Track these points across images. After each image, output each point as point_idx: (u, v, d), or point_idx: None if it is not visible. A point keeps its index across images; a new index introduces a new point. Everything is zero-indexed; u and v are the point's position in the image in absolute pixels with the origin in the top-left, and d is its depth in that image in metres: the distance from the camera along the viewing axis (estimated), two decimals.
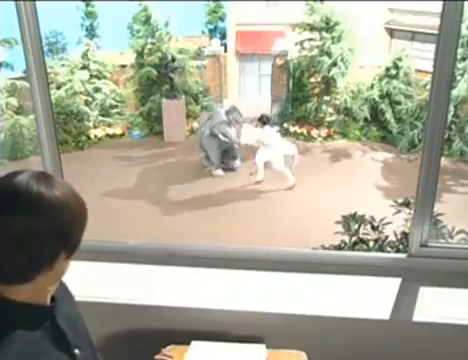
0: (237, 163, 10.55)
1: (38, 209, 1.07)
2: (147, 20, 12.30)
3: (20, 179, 1.09)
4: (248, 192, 9.73)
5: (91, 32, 14.75)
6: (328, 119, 12.11)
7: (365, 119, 11.91)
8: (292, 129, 12.07)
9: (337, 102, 12.09)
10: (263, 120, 9.88)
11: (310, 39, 12.15)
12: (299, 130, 12.05)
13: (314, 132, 11.98)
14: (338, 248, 4.03)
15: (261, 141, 9.69)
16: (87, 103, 12.23)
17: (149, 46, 12.24)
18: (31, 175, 1.10)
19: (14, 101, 11.22)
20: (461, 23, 1.74)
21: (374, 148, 11.59)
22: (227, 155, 10.50)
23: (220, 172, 10.43)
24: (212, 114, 10.53)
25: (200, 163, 10.68)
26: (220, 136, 10.06)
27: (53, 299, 1.21)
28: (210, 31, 17.78)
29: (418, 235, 2.01)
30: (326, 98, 12.12)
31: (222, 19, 17.45)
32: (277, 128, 11.04)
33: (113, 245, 2.29)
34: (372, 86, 11.98)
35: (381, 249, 3.85)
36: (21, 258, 1.06)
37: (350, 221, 4.01)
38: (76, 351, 1.23)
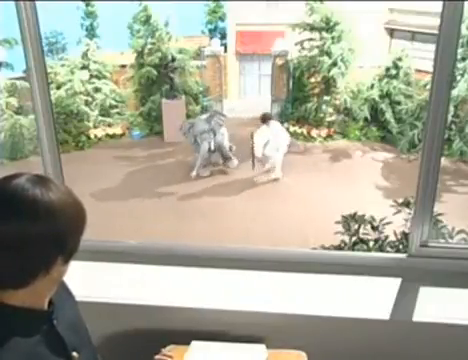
0: (234, 163, 10.56)
1: (33, 214, 1.05)
2: (147, 20, 12.31)
3: (16, 183, 1.07)
4: (246, 190, 9.80)
5: (91, 32, 14.72)
6: (328, 119, 12.12)
7: (365, 119, 11.92)
8: (292, 129, 12.06)
9: (337, 102, 12.09)
10: (264, 118, 10.14)
11: (310, 39, 12.16)
12: (299, 130, 12.06)
13: (314, 132, 11.98)
14: (338, 248, 4.04)
15: (270, 137, 9.95)
16: (87, 103, 12.24)
17: (149, 46, 12.26)
18: (28, 179, 1.08)
19: (14, 101, 11.23)
20: (461, 23, 1.74)
21: (374, 148, 11.59)
22: (216, 155, 10.54)
23: (205, 173, 10.45)
24: (193, 123, 10.50)
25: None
26: (206, 145, 10.13)
27: (51, 303, 1.19)
28: (210, 31, 17.76)
29: (418, 235, 2.00)
30: (326, 98, 12.13)
31: (222, 19, 17.43)
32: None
33: (113, 245, 2.29)
34: (372, 86, 11.99)
35: (381, 249, 3.85)
36: (16, 263, 1.05)
37: (350, 221, 4.02)
38: (74, 354, 1.22)
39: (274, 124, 10.34)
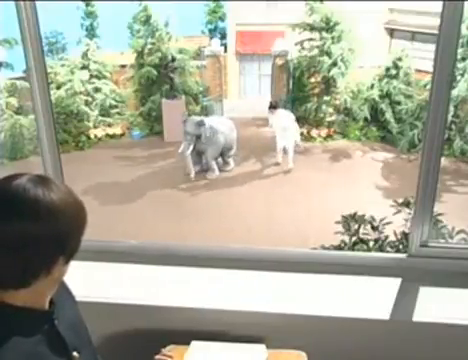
0: (213, 174, 10.50)
1: (34, 214, 1.05)
2: (147, 20, 12.30)
3: (18, 183, 1.07)
4: (246, 187, 9.82)
5: (91, 32, 14.71)
6: (328, 119, 12.12)
7: (365, 119, 11.92)
8: None
9: (337, 102, 12.09)
10: (273, 106, 10.91)
11: (310, 39, 12.16)
12: (299, 130, 12.04)
13: (314, 132, 11.99)
14: (338, 248, 4.03)
15: (278, 125, 10.47)
16: (87, 103, 12.24)
17: (149, 46, 12.26)
18: (29, 179, 1.08)
19: (14, 101, 11.23)
20: (461, 23, 1.74)
21: (374, 148, 11.59)
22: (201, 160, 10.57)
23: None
24: (187, 120, 10.38)
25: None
26: (184, 146, 10.13)
27: (52, 302, 1.19)
28: (210, 31, 17.76)
29: (418, 235, 2.01)
30: (326, 98, 12.13)
31: (222, 19, 17.42)
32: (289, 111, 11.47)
33: (113, 245, 2.29)
34: (372, 86, 11.99)
35: (381, 249, 3.85)
36: (17, 263, 1.05)
37: (350, 221, 4.01)
38: (75, 354, 1.22)
39: (283, 112, 10.88)
